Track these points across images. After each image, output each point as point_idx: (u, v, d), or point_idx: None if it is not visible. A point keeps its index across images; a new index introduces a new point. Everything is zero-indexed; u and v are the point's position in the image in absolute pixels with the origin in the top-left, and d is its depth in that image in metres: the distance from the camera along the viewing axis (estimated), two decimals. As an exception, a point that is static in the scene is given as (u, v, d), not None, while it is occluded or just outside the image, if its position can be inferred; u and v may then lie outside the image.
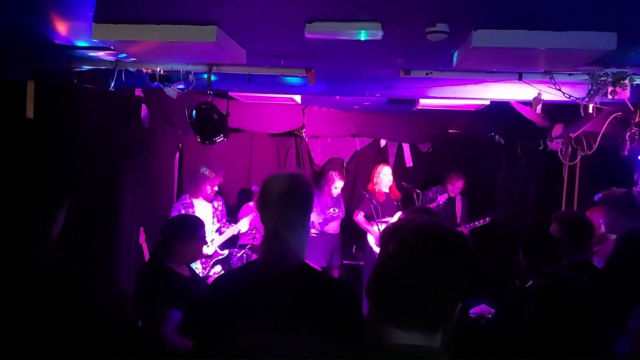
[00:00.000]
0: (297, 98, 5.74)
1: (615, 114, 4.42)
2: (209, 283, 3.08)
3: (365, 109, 6.77)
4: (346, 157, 7.90)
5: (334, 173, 6.62)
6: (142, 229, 5.59)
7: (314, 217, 6.51)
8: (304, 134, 7.18)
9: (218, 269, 5.71)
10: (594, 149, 4.76)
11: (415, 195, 6.58)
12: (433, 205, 6.57)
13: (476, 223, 6.67)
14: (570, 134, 4.96)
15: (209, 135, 4.70)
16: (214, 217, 5.70)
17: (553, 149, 5.74)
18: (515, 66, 3.70)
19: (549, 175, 6.33)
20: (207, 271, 5.58)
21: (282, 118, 6.78)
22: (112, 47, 3.46)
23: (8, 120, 1.12)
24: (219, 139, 4.75)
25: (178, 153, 6.86)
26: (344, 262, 7.01)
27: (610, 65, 3.61)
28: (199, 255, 3.69)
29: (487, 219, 6.66)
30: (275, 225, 2.00)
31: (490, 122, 6.71)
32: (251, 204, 6.49)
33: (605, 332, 1.82)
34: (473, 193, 7.25)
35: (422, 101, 5.33)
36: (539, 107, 4.14)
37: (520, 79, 3.86)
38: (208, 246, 5.55)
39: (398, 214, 6.19)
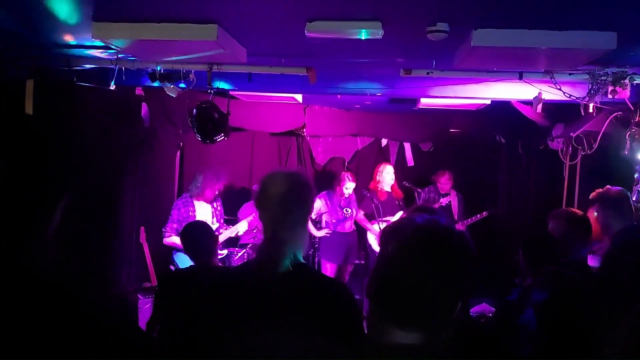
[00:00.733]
0: (298, 97, 5.74)
1: (616, 114, 4.42)
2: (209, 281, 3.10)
3: (366, 108, 6.77)
4: (347, 156, 7.90)
5: (346, 174, 6.61)
6: (142, 228, 5.59)
7: (328, 218, 6.53)
8: (305, 133, 7.18)
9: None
10: (594, 149, 4.76)
11: (416, 195, 6.58)
12: (436, 206, 6.56)
13: (474, 218, 6.67)
14: (571, 134, 4.96)
15: (210, 134, 4.69)
16: (213, 218, 5.70)
17: (554, 148, 5.74)
18: (516, 65, 3.69)
19: (550, 174, 6.33)
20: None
21: (283, 117, 6.78)
22: (112, 46, 3.46)
23: (7, 119, 1.12)
24: (220, 138, 4.74)
25: (179, 152, 6.86)
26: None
27: (610, 64, 3.61)
28: None
29: (484, 213, 6.66)
30: (274, 226, 1.99)
31: (491, 122, 6.71)
32: (252, 203, 6.50)
33: (605, 332, 1.82)
34: (474, 192, 7.25)
35: (423, 100, 5.33)
36: (539, 107, 4.13)
37: (520, 78, 3.86)
38: None
39: (399, 214, 6.19)
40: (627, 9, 2.58)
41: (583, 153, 5.04)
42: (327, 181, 7.48)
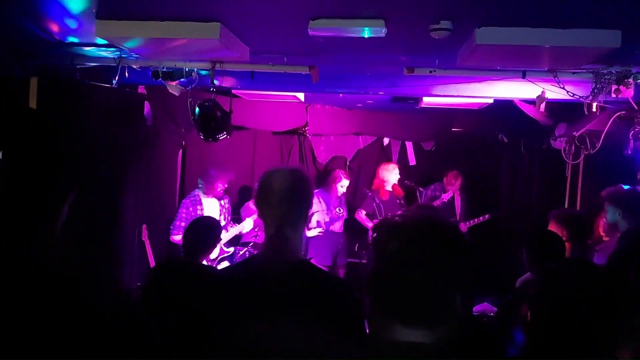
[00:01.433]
0: (300, 96, 5.74)
1: (619, 113, 4.42)
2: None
3: (368, 107, 6.77)
4: (349, 155, 7.90)
5: (340, 172, 6.62)
6: (144, 226, 5.60)
7: (321, 216, 6.50)
8: (307, 132, 7.17)
9: (225, 265, 5.73)
10: (597, 148, 4.75)
11: (418, 194, 6.58)
12: (437, 203, 6.56)
13: (476, 220, 6.66)
14: (574, 133, 4.95)
15: (212, 133, 4.70)
16: (221, 215, 5.73)
17: (556, 147, 5.73)
18: (519, 64, 3.69)
19: (552, 173, 6.32)
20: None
21: (285, 116, 6.78)
22: (115, 44, 3.47)
23: (12, 117, 1.12)
24: (222, 136, 4.75)
25: (181, 150, 6.86)
26: (347, 260, 7.00)
27: (614, 63, 3.60)
28: None
29: (487, 215, 6.66)
30: (278, 223, 1.99)
31: (494, 121, 6.69)
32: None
33: (603, 329, 1.82)
34: (476, 191, 7.24)
35: (426, 99, 5.32)
36: (542, 106, 4.12)
37: (524, 77, 3.85)
38: None
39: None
40: (632, 7, 2.57)
41: (586, 152, 5.04)
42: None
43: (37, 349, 1.12)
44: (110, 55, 4.00)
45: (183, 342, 2.79)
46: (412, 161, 7.88)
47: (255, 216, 5.94)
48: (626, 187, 4.26)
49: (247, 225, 5.93)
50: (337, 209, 6.56)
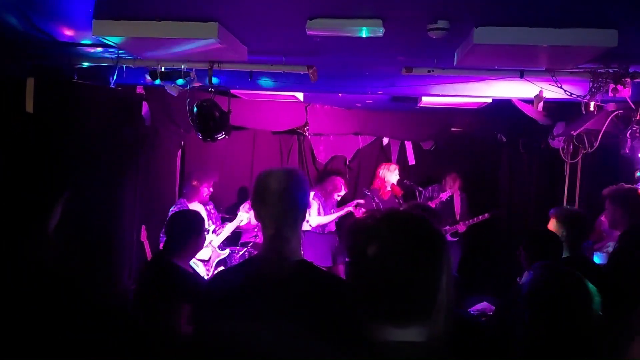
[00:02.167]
0: (300, 96, 5.74)
1: (617, 112, 4.42)
2: (210, 278, 3.13)
3: (367, 107, 6.77)
4: (349, 155, 7.89)
5: (341, 182, 6.64)
6: (143, 226, 5.60)
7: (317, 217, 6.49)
8: (306, 131, 7.17)
9: (220, 269, 5.71)
10: (595, 147, 4.76)
11: (417, 193, 6.58)
12: (434, 202, 6.56)
13: (475, 219, 6.66)
14: (572, 132, 4.96)
15: (211, 133, 4.70)
16: (209, 220, 5.70)
17: (554, 146, 5.74)
18: (517, 64, 3.69)
19: (551, 173, 6.33)
20: (211, 273, 5.57)
21: (284, 116, 6.78)
22: (112, 44, 3.47)
23: (8, 117, 1.13)
24: (221, 136, 4.75)
25: (180, 151, 6.86)
26: (346, 259, 6.98)
27: (611, 62, 3.60)
28: (201, 249, 3.76)
29: (486, 215, 6.65)
30: (276, 224, 1.98)
31: (493, 120, 6.70)
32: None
33: (600, 327, 1.82)
34: (475, 191, 7.24)
35: (425, 99, 5.33)
36: (540, 105, 4.13)
37: (521, 76, 3.86)
38: (208, 247, 5.56)
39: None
40: (628, 6, 2.57)
41: (584, 151, 5.04)
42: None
43: (29, 352, 1.12)
44: (109, 55, 4.00)
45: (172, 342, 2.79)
46: (412, 161, 7.87)
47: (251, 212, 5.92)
48: (627, 185, 4.26)
49: (244, 217, 5.86)
50: (332, 211, 6.58)
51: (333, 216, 6.45)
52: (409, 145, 7.86)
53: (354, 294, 1.32)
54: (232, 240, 6.03)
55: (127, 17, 3.02)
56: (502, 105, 5.23)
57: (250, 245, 6.05)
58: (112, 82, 4.15)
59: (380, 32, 2.90)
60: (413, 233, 1.29)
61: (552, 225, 3.53)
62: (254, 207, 2.06)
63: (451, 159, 7.33)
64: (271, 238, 1.99)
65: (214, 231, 5.73)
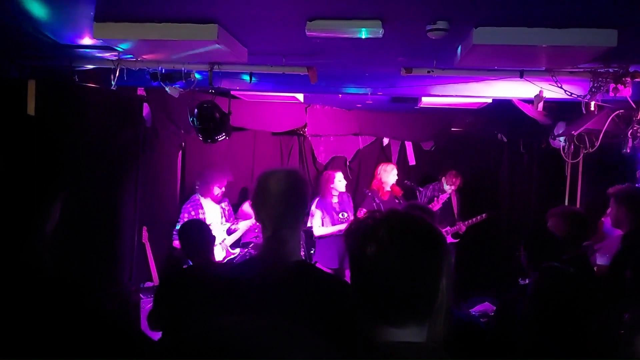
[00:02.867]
0: (300, 96, 5.74)
1: (617, 112, 4.41)
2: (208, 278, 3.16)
3: (367, 108, 6.77)
4: (349, 155, 7.90)
5: (328, 171, 6.56)
6: (145, 228, 5.60)
7: (326, 221, 6.39)
8: (306, 132, 7.18)
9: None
10: (596, 147, 4.75)
11: (417, 193, 6.58)
12: (438, 203, 6.55)
13: (473, 220, 6.65)
14: (572, 132, 4.95)
15: (211, 134, 4.70)
16: (222, 217, 5.72)
17: (555, 146, 5.74)
18: (517, 64, 3.69)
19: (552, 173, 6.32)
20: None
21: (284, 117, 6.78)
22: (113, 46, 3.47)
23: (9, 119, 1.13)
24: (221, 137, 4.75)
25: (181, 152, 6.86)
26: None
27: (611, 62, 3.60)
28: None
29: (484, 215, 6.65)
30: (276, 225, 1.99)
31: (493, 120, 6.70)
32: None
33: (599, 325, 1.82)
34: (476, 191, 7.24)
35: (425, 99, 5.33)
36: (540, 105, 4.13)
37: (521, 76, 3.86)
38: (221, 245, 5.60)
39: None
40: (628, 6, 2.57)
41: (585, 151, 5.04)
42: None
43: (29, 353, 1.12)
44: (109, 57, 4.00)
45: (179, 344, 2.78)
46: (412, 161, 7.88)
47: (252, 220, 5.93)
48: (632, 185, 4.25)
49: (243, 226, 5.91)
50: (340, 214, 6.42)
51: (335, 228, 6.24)
52: (409, 145, 7.86)
53: (354, 293, 1.33)
54: (235, 241, 6.03)
55: (128, 19, 3.02)
56: (503, 106, 5.23)
57: (251, 246, 6.05)
58: (112, 83, 4.15)
59: (379, 33, 2.90)
60: (412, 233, 1.29)
61: (551, 225, 3.53)
62: (254, 207, 2.06)
63: (451, 159, 7.33)
64: (270, 239, 2.00)
65: (228, 230, 5.75)
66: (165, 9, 2.89)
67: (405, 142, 7.84)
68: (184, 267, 3.57)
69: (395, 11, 2.75)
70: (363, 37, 2.95)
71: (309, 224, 6.29)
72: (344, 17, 2.86)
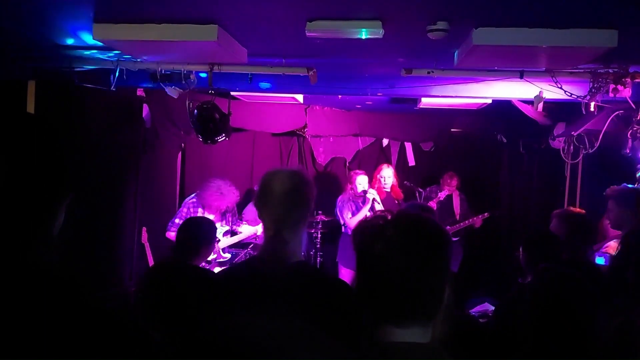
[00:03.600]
0: (299, 97, 5.74)
1: (617, 112, 4.41)
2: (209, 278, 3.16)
3: (367, 108, 6.77)
4: (349, 156, 7.90)
5: (351, 172, 6.50)
6: (144, 228, 5.60)
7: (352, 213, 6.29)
8: (306, 133, 7.18)
9: (217, 270, 5.69)
10: (595, 147, 4.76)
11: (417, 194, 6.57)
12: (433, 202, 6.55)
13: (475, 219, 6.65)
14: (572, 132, 4.95)
15: (211, 135, 4.70)
16: (222, 220, 5.69)
17: (555, 147, 5.74)
18: (517, 64, 3.69)
19: (551, 173, 6.33)
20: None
21: (284, 117, 6.78)
22: (113, 47, 3.47)
23: (9, 120, 1.12)
24: (221, 138, 4.75)
25: (180, 153, 6.87)
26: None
27: (611, 63, 3.60)
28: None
29: (486, 214, 6.65)
30: (277, 225, 1.98)
31: (493, 121, 6.70)
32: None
33: (600, 327, 1.82)
34: (476, 191, 7.24)
35: (424, 100, 5.33)
36: (540, 106, 4.13)
37: (521, 77, 3.86)
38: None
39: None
40: (628, 6, 2.58)
41: (584, 152, 5.04)
42: (329, 181, 7.47)
43: (30, 353, 1.12)
44: (109, 58, 4.00)
45: (177, 344, 2.78)
46: (412, 162, 7.88)
47: (260, 227, 5.88)
48: (630, 186, 4.25)
49: (260, 228, 5.86)
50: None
51: (366, 208, 6.14)
52: (408, 146, 7.86)
53: (360, 293, 1.32)
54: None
55: (127, 20, 3.03)
56: (502, 106, 5.23)
57: (250, 246, 6.05)
58: (112, 84, 4.15)
59: (379, 33, 2.90)
60: (421, 234, 1.29)
61: (554, 226, 3.53)
62: (256, 206, 2.06)
63: (451, 160, 7.33)
64: (270, 239, 1.99)
65: (227, 232, 5.73)
66: (165, 10, 2.89)
67: (405, 142, 7.84)
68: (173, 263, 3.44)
69: (396, 12, 2.75)
70: (363, 37, 2.95)
71: (342, 222, 6.27)
72: (344, 17, 2.86)
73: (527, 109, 5.09)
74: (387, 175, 6.42)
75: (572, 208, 4.24)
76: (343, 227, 6.41)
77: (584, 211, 3.85)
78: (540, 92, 4.04)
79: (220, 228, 5.66)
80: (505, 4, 2.62)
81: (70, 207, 1.32)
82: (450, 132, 7.08)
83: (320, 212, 6.71)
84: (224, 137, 4.78)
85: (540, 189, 6.71)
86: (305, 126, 6.95)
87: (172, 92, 4.28)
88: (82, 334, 1.16)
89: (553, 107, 4.90)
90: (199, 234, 3.56)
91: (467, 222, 6.62)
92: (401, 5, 2.66)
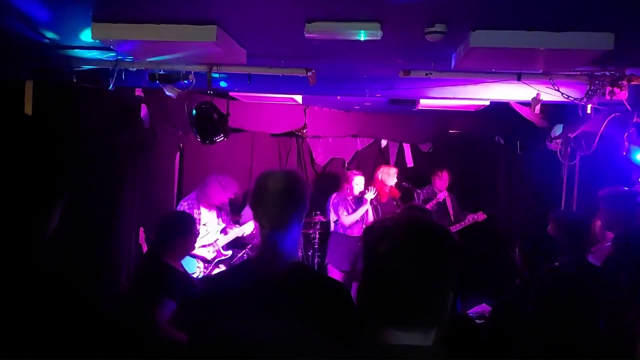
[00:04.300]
0: (298, 98, 5.75)
1: (614, 114, 4.43)
2: (205, 279, 3.16)
3: (366, 109, 6.78)
4: (347, 157, 7.91)
5: (350, 172, 6.57)
6: (142, 229, 5.59)
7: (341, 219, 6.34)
8: (305, 134, 7.18)
9: (222, 268, 5.70)
10: (592, 149, 4.77)
11: (415, 195, 6.58)
12: (431, 204, 6.56)
13: (470, 220, 6.66)
14: (569, 134, 4.97)
15: (209, 135, 4.71)
16: (219, 218, 5.70)
17: (552, 149, 5.75)
18: (514, 67, 3.71)
19: (548, 175, 6.34)
20: (209, 271, 5.57)
21: (283, 118, 6.79)
22: (111, 47, 3.47)
23: (6, 120, 1.13)
24: (219, 138, 4.75)
25: (179, 153, 6.86)
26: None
27: (608, 65, 3.62)
28: (192, 250, 3.84)
29: (481, 215, 6.66)
30: (272, 225, 1.99)
31: (490, 123, 6.71)
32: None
33: (599, 328, 1.84)
34: (473, 193, 7.25)
35: (423, 101, 5.34)
36: (537, 108, 4.14)
37: (519, 79, 3.87)
38: (212, 245, 5.57)
39: (398, 214, 6.17)
40: (625, 9, 2.59)
41: (581, 154, 5.05)
42: (328, 182, 7.47)
43: (29, 354, 1.13)
44: (107, 58, 4.00)
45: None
46: (410, 163, 7.89)
47: (249, 225, 5.90)
48: (625, 188, 4.26)
49: (247, 228, 5.86)
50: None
51: (363, 209, 6.18)
52: (407, 147, 7.87)
53: (363, 294, 1.32)
54: (235, 242, 6.01)
55: (126, 20, 3.03)
56: (500, 108, 5.25)
57: (248, 247, 6.05)
58: (110, 84, 4.16)
59: (378, 35, 2.91)
60: (428, 237, 1.29)
61: (552, 229, 3.55)
62: (252, 207, 2.07)
63: (449, 161, 7.34)
64: (267, 239, 2.00)
65: (223, 230, 5.72)
66: (164, 10, 2.89)
67: (403, 143, 7.86)
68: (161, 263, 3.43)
69: (394, 14, 2.76)
70: (362, 39, 2.96)
71: (333, 219, 6.27)
72: (343, 19, 2.87)
73: (524, 111, 5.10)
74: (392, 173, 6.46)
75: (567, 212, 4.25)
76: (333, 226, 6.40)
77: (580, 216, 3.87)
78: (537, 94, 4.06)
79: (217, 227, 5.67)
80: (503, 7, 2.63)
81: (67, 207, 1.32)
82: (449, 133, 7.10)
83: (318, 212, 6.72)
84: (222, 138, 4.78)
85: (537, 190, 6.72)
86: (304, 127, 6.95)
87: (171, 92, 4.29)
88: (78, 334, 1.17)
89: (550, 109, 4.92)
90: (174, 226, 3.52)
91: (467, 222, 6.63)
92: (399, 8, 2.67)
